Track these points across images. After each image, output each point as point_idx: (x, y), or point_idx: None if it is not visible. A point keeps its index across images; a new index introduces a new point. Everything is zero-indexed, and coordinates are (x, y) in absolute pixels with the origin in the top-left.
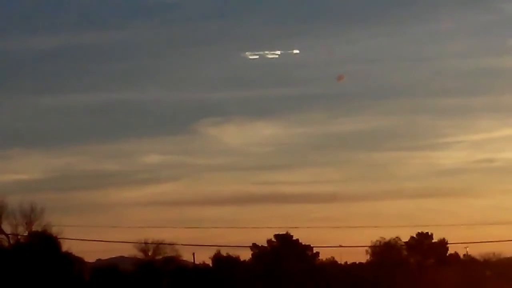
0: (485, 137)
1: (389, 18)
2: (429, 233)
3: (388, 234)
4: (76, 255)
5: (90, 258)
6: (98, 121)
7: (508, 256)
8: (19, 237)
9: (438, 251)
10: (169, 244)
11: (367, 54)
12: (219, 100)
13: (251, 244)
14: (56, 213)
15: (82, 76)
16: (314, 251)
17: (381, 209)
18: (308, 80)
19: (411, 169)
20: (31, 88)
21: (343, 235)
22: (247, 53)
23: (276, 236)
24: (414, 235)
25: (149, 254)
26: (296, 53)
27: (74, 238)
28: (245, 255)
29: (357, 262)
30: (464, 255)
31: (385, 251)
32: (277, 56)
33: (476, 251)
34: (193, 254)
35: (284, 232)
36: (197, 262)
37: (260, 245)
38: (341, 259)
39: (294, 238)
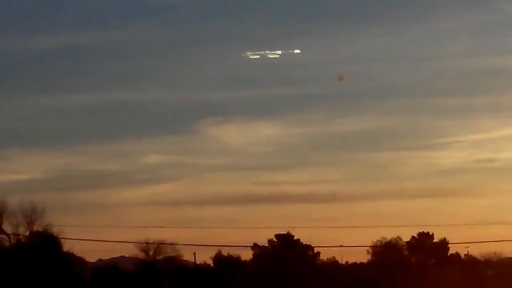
0: (485, 137)
1: (390, 18)
2: (430, 233)
3: (389, 234)
4: (77, 255)
5: (91, 258)
6: (99, 121)
7: (509, 256)
8: (20, 237)
9: (439, 251)
10: (170, 244)
11: (367, 54)
12: (219, 100)
13: (252, 244)
14: (57, 213)
15: (83, 76)
16: (315, 251)
17: (382, 209)
18: (309, 80)
19: (412, 169)
20: (31, 88)
21: (344, 235)
22: (248, 53)
23: (277, 236)
24: (415, 235)
25: (150, 254)
26: (297, 53)
27: (75, 238)
28: (246, 255)
29: (358, 262)
30: (465, 255)
31: (386, 251)
32: (278, 56)
33: (477, 251)
34: (194, 254)
35: (285, 232)
36: (198, 262)
37: (261, 245)
38: (342, 259)
39: (295, 238)
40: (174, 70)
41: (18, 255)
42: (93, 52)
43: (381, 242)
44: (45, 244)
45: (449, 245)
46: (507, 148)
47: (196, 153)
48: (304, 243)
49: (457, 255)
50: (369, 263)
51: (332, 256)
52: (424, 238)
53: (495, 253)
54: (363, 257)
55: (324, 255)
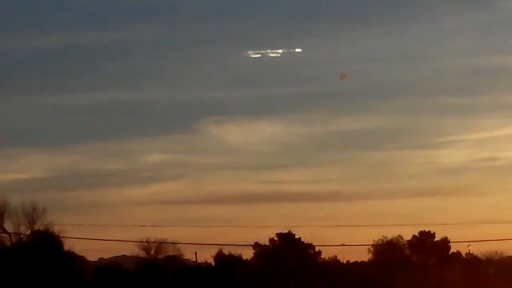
0: (487, 135)
1: (391, 17)
2: (431, 232)
3: (390, 233)
4: (78, 254)
5: (92, 257)
6: (100, 121)
7: (510, 255)
8: (21, 236)
9: (440, 249)
10: (171, 243)
11: (368, 53)
12: (220, 99)
13: (253, 243)
14: (58, 212)
15: (84, 75)
16: (317, 250)
17: (384, 208)
18: (310, 79)
19: (413, 168)
20: (32, 87)
21: (345, 233)
22: (249, 52)
23: (278, 235)
24: (416, 234)
25: (151, 253)
26: (298, 52)
27: (76, 237)
28: (247, 254)
29: (359, 261)
30: (466, 253)
31: (387, 250)
32: (279, 55)
33: (478, 249)
34: (195, 253)
35: (286, 231)
36: (199, 261)
37: (262, 244)
38: (343, 258)
39: (296, 236)
40: (175, 69)
41: (20, 254)
42: (93, 52)
43: (382, 241)
44: (46, 243)
45: (450, 243)
46: (509, 147)
47: (197, 152)
48: (305, 242)
49: (458, 253)
50: (370, 262)
51: (334, 255)
52: (425, 237)
53: (496, 251)
54: (364, 256)
55: (326, 254)
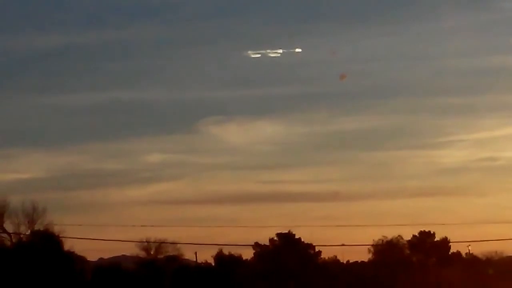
0: (487, 135)
1: (391, 17)
2: (431, 232)
3: (390, 233)
4: (78, 254)
5: (92, 257)
6: (100, 121)
7: (510, 255)
8: (21, 236)
9: (440, 249)
10: (171, 243)
11: (368, 53)
12: (220, 99)
13: (253, 243)
14: (58, 212)
15: (84, 75)
16: (316, 250)
17: (383, 208)
18: (310, 79)
19: (413, 168)
20: (32, 87)
21: (345, 233)
22: (249, 51)
23: (278, 235)
24: (416, 234)
25: (151, 253)
26: (298, 52)
27: (76, 237)
28: (247, 253)
29: (359, 261)
30: (466, 253)
31: (387, 250)
32: (279, 55)
33: (478, 249)
34: (195, 253)
35: (287, 231)
36: (199, 261)
37: (262, 244)
38: (343, 258)
39: (296, 236)
40: (175, 69)
41: (20, 254)
42: (93, 52)
43: (382, 241)
44: (46, 243)
45: (450, 243)
46: (509, 147)
47: (197, 152)
48: (305, 242)
49: (458, 253)
50: (370, 262)
51: (334, 255)
52: (425, 236)
53: (496, 251)
54: (364, 256)
55: (326, 254)
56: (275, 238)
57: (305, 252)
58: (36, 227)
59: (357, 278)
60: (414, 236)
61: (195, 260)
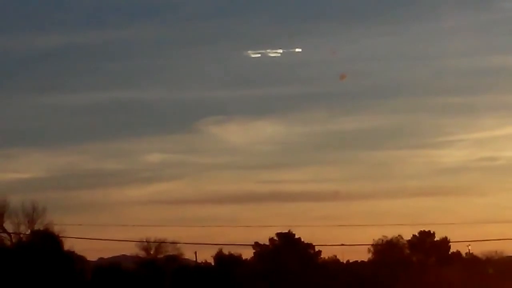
0: (487, 135)
1: (391, 17)
2: (431, 232)
3: (390, 233)
4: (78, 253)
5: (92, 256)
6: (100, 120)
7: (510, 255)
8: (21, 235)
9: (440, 249)
10: (171, 242)
11: (368, 53)
12: (220, 99)
13: (253, 243)
14: (58, 212)
15: (84, 75)
16: (316, 250)
17: (383, 207)
18: (310, 78)
19: (413, 167)
20: (32, 87)
21: (345, 233)
22: (249, 51)
23: (278, 234)
24: (416, 234)
25: (151, 252)
26: (298, 52)
27: (76, 236)
28: (247, 253)
29: (359, 261)
30: (466, 253)
31: (387, 250)
32: (279, 54)
33: (478, 249)
34: (195, 252)
35: (286, 231)
36: (199, 260)
37: (262, 243)
38: (343, 258)
39: (296, 236)
40: (175, 69)
41: (19, 254)
42: (94, 51)
43: (382, 240)
44: (46, 243)
45: (450, 243)
46: (509, 146)
47: (197, 152)
48: (305, 241)
49: (458, 253)
50: (370, 261)
51: (333, 255)
52: (425, 236)
53: (496, 251)
54: (364, 256)
55: (325, 254)
56: (275, 238)
57: (305, 252)
58: (36, 227)
59: (357, 278)
60: (414, 235)
61: (195, 259)
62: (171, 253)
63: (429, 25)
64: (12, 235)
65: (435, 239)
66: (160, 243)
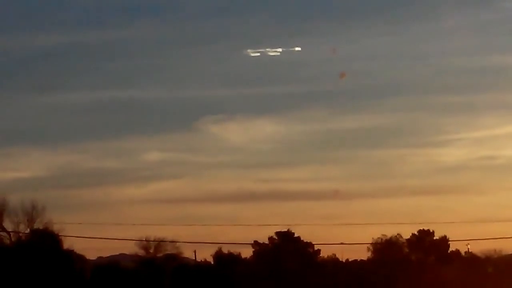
0: (487, 134)
1: (391, 16)
2: (431, 230)
3: (389, 231)
4: (78, 252)
5: (91, 255)
6: (100, 119)
7: (510, 253)
8: (20, 234)
9: (440, 248)
10: (171, 241)
11: (368, 52)
12: (220, 98)
13: (252, 242)
14: (57, 211)
15: (84, 74)
16: (316, 248)
17: (383, 206)
18: (310, 77)
19: (413, 166)
20: (32, 86)
21: (344, 232)
22: (248, 50)
23: (277, 233)
24: (416, 232)
25: (151, 251)
26: (298, 51)
27: (75, 235)
28: (247, 252)
29: (358, 260)
30: (465, 252)
31: (386, 248)
32: (278, 53)
33: (477, 248)
34: (195, 251)
35: (286, 230)
36: (198, 259)
37: (261, 242)
38: (342, 256)
39: (295, 235)
40: (175, 68)
41: (19, 253)
42: (94, 51)
43: (381, 239)
44: (46, 242)
45: (450, 242)
46: (509, 145)
47: (197, 150)
48: (304, 240)
49: (457, 252)
50: (370, 260)
51: (333, 254)
52: (424, 235)
53: (496, 250)
54: (364, 255)
55: (325, 253)
56: (275, 237)
57: (305, 250)
58: (36, 226)
59: (356, 277)
60: (413, 234)
61: (194, 258)
62: (170, 252)
63: (429, 25)
64: (12, 234)
65: (435, 238)
66: (160, 242)
